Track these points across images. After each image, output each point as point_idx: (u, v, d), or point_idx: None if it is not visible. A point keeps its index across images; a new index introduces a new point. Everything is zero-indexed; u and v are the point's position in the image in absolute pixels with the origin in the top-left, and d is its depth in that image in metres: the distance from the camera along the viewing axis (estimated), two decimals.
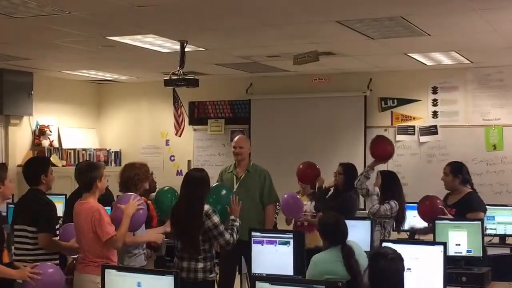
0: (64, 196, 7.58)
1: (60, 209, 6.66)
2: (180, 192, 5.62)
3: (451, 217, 6.26)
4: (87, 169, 5.27)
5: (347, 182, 6.97)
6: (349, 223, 5.18)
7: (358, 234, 5.62)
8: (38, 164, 5.67)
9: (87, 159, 10.88)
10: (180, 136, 11.06)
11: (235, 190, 6.85)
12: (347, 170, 7.09)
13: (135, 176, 5.80)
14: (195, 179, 5.47)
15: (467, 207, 6.37)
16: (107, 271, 4.05)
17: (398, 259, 3.85)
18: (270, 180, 7.08)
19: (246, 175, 7.01)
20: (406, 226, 6.87)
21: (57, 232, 5.49)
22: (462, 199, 6.48)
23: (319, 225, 5.07)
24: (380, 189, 6.77)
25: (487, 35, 7.30)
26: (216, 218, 5.31)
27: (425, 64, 9.32)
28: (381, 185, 6.78)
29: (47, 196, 5.52)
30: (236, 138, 7.25)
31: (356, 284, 4.45)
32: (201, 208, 5.30)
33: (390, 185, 6.63)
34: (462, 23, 6.77)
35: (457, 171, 6.55)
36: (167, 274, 3.89)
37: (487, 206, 7.72)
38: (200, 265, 5.30)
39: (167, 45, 7.92)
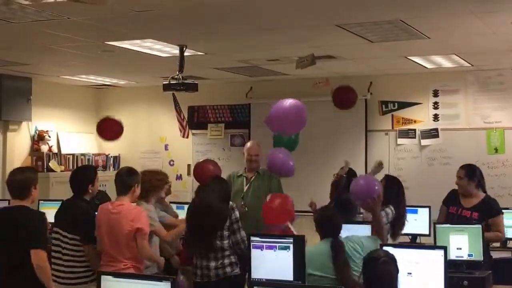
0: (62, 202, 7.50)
1: None
2: (197, 192, 5.76)
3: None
4: (127, 174, 5.57)
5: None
6: (351, 227, 5.17)
7: None
8: None
9: (86, 164, 10.86)
10: (187, 137, 10.92)
11: (244, 191, 7.12)
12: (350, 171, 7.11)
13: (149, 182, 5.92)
14: (212, 180, 5.65)
15: (490, 211, 6.38)
16: (103, 277, 4.00)
17: (391, 261, 3.86)
18: (278, 182, 7.16)
19: (256, 177, 7.22)
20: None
21: None
22: (482, 202, 6.45)
23: (315, 218, 5.24)
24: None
25: (487, 38, 7.27)
26: (237, 213, 5.55)
27: (426, 67, 9.29)
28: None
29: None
30: (249, 146, 7.39)
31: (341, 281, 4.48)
32: (224, 205, 5.48)
33: (389, 190, 6.58)
34: (461, 26, 6.73)
35: (472, 175, 6.49)
36: (164, 280, 3.83)
37: None
38: (227, 261, 5.46)
39: (166, 50, 7.89)
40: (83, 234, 5.46)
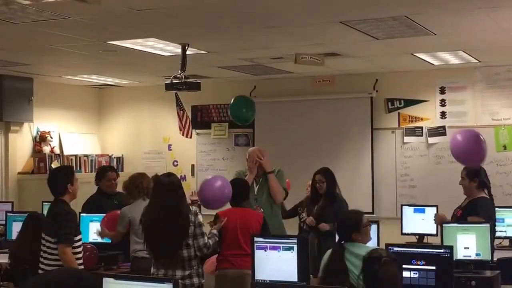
0: None
1: None
2: (153, 201, 5.41)
3: None
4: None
5: (330, 187, 6.97)
6: None
7: None
8: None
9: (89, 165, 10.79)
10: (190, 137, 10.73)
11: (256, 193, 6.94)
12: (327, 174, 7.09)
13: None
14: (166, 185, 5.28)
15: (472, 210, 6.17)
16: (105, 279, 3.94)
17: (392, 261, 3.77)
18: (280, 173, 7.11)
19: (264, 178, 7.10)
20: None
21: None
22: (470, 202, 6.30)
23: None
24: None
25: (494, 34, 7.18)
26: (201, 218, 5.25)
27: (432, 64, 9.19)
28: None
29: None
30: (251, 156, 7.13)
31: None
32: (185, 215, 5.18)
33: None
34: (468, 22, 6.65)
35: (473, 175, 6.36)
36: (166, 281, 3.80)
37: (496, 208, 7.61)
38: (194, 270, 5.19)
39: (168, 49, 7.82)
40: (60, 234, 5.27)
